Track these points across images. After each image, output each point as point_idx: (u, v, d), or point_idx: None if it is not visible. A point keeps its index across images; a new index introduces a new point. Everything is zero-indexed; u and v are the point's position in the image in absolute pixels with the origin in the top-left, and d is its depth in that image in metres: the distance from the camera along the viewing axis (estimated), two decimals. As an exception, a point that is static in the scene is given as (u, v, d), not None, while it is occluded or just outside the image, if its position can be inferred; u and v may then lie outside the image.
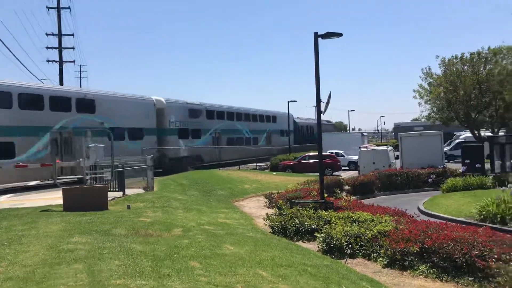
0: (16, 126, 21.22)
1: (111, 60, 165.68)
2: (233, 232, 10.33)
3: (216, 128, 37.82)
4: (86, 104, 24.62)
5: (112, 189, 16.33)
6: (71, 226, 9.74)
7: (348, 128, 72.57)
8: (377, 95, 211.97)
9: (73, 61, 55.35)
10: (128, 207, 13.65)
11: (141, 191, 17.47)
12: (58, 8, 36.80)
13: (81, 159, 15.31)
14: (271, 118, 47.49)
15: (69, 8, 37.49)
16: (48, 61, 38.54)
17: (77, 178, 16.32)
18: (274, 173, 30.38)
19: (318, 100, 13.76)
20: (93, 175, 16.25)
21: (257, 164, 38.87)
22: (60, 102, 23.34)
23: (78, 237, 8.31)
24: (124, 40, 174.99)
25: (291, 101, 44.17)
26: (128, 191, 16.78)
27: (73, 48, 41.96)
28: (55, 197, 15.38)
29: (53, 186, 16.27)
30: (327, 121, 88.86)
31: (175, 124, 32.71)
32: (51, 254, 6.81)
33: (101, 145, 14.70)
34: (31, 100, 22.19)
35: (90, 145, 15.66)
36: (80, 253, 6.93)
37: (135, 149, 27.05)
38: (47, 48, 38.06)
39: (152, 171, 18.36)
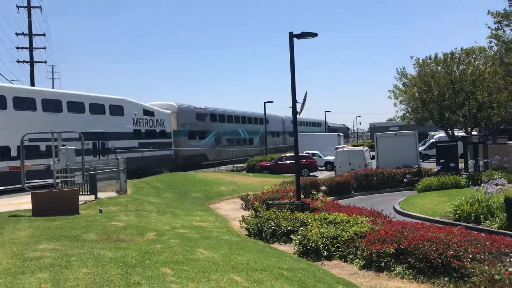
0: None
1: (88, 61, 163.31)
2: (208, 236, 10.17)
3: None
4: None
5: (83, 193, 15.97)
6: (39, 232, 9.42)
7: (326, 129, 73.12)
8: (353, 96, 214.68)
9: (45, 62, 54.25)
10: (100, 211, 13.34)
11: (114, 194, 17.15)
12: (29, 7, 36.00)
13: (51, 162, 14.89)
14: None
15: (40, 7, 36.65)
16: (18, 61, 37.75)
17: (48, 182, 15.89)
18: (250, 174, 30.41)
19: (294, 101, 13.74)
20: (64, 179, 15.83)
21: (234, 165, 39.23)
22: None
23: (46, 244, 8.02)
24: (102, 41, 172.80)
25: (268, 102, 44.74)
26: (101, 195, 16.45)
27: (44, 48, 41.08)
28: (23, 202, 14.94)
29: (22, 190, 15.80)
30: (343, 125, 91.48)
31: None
32: (15, 263, 6.53)
33: (72, 147, 14.31)
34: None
35: (60, 147, 15.24)
36: (46, 261, 6.66)
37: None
38: (17, 48, 37.26)
39: (125, 173, 18.03)
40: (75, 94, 27.80)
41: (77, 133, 16.15)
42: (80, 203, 13.70)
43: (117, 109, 30.57)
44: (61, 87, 56.77)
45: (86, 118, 27.77)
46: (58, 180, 14.70)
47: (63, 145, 14.11)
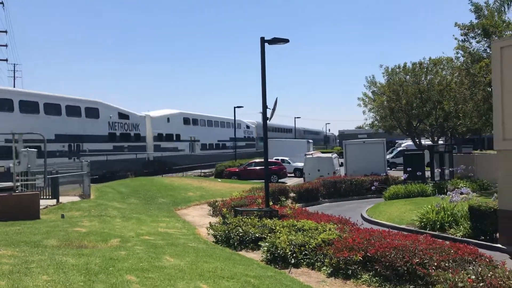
0: None
1: (54, 60, 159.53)
2: (174, 243, 10.09)
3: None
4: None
5: (45, 197, 15.59)
6: (-3, 237, 9.14)
7: (295, 136, 73.68)
8: (323, 102, 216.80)
9: (6, 60, 52.66)
10: (62, 216, 13.05)
11: (77, 199, 16.81)
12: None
13: (10, 165, 14.48)
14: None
15: (1, 3, 35.63)
16: (-23, 58, 36.50)
17: (7, 185, 15.43)
18: (219, 180, 30.33)
19: (264, 106, 13.76)
20: (25, 182, 15.42)
21: (202, 170, 39.11)
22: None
23: (4, 250, 7.79)
24: (68, 41, 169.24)
25: (237, 107, 44.66)
26: (63, 199, 16.09)
27: (6, 45, 39.99)
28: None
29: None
30: (331, 133, 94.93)
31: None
32: (-29, 270, 6.30)
33: (34, 149, 13.97)
34: None
35: (21, 149, 14.85)
36: (4, 268, 6.46)
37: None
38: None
39: (88, 177, 17.70)
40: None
41: (40, 134, 15.78)
42: (41, 207, 13.37)
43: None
44: (23, 87, 55.58)
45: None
46: (18, 183, 14.31)
47: (34, 147, 13.78)
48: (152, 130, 40.14)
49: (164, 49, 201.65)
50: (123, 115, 35.42)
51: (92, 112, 31.95)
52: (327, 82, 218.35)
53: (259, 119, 62.40)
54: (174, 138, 43.51)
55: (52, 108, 28.30)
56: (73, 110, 30.03)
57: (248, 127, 61.80)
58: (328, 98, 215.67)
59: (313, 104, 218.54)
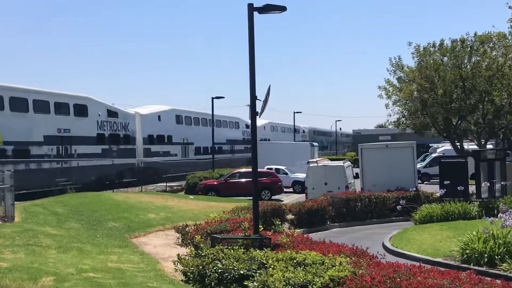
0: None
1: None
2: (129, 282, 10.04)
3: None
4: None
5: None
6: None
7: (294, 137, 73.84)
8: (332, 94, 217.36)
9: None
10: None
11: (-5, 222, 16.67)
12: None
13: None
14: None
15: None
16: None
17: None
18: (191, 196, 30.43)
19: (253, 97, 13.68)
20: None
21: (168, 184, 38.98)
22: None
23: None
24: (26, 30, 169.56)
25: (217, 97, 44.54)
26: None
27: None
28: None
29: None
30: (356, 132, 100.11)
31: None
32: None
33: None
34: None
35: None
36: None
37: None
38: None
39: (12, 192, 17.56)
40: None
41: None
42: None
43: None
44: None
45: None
46: None
47: None
48: (142, 130, 43.89)
49: (126, 25, 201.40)
50: (112, 113, 39.49)
51: (81, 109, 36.31)
52: (336, 67, 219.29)
53: (238, 114, 66.09)
54: (166, 141, 47.90)
55: (42, 105, 32.84)
56: (62, 107, 34.46)
57: (248, 126, 64.17)
58: (337, 88, 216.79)
59: (318, 96, 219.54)
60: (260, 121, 49.14)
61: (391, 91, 31.25)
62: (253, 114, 13.84)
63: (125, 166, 40.67)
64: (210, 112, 48.00)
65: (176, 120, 49.92)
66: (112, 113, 39.34)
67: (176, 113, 50.33)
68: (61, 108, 34.57)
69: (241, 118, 66.18)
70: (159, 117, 46.97)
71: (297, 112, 73.28)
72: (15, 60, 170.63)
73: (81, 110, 36.19)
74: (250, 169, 20.13)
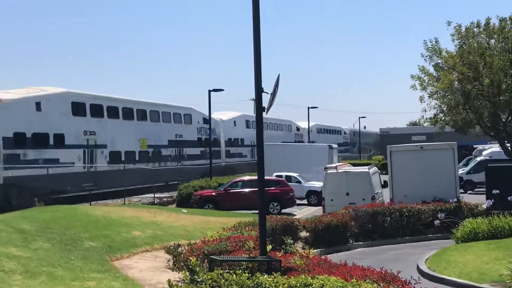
0: None
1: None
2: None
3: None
4: None
5: None
6: None
7: (309, 137, 74.61)
8: (355, 86, 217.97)
9: None
10: None
11: None
12: None
13: None
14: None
15: None
16: None
17: None
18: (184, 210, 30.67)
19: (259, 88, 13.51)
20: None
21: (156, 195, 39.63)
22: None
23: None
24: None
25: (215, 90, 44.82)
26: None
27: None
28: None
29: None
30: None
31: None
32: None
33: None
34: None
35: None
36: None
37: None
38: None
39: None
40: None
41: None
42: None
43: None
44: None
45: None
46: None
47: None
48: (224, 134, 60.36)
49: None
50: (206, 120, 52.74)
51: (188, 118, 55.60)
52: (357, 53, 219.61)
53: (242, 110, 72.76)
54: (239, 143, 65.18)
55: (166, 116, 52.25)
56: (176, 117, 53.96)
57: (298, 129, 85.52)
58: (360, 79, 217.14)
59: (336, 89, 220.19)
60: (232, 114, 65.16)
61: (426, 81, 31.03)
62: (259, 109, 13.74)
63: (215, 166, 50.73)
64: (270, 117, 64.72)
65: (246, 125, 66.71)
66: (206, 120, 52.49)
67: (246, 118, 66.63)
68: (176, 117, 53.71)
69: (293, 122, 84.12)
70: (234, 122, 64.34)
71: (312, 107, 74.66)
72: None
73: (187, 118, 55.38)
74: (255, 177, 19.96)
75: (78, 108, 41.01)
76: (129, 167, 44.82)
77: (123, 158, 45.19)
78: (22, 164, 35.46)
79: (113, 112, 45.14)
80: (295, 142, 76.58)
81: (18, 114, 35.76)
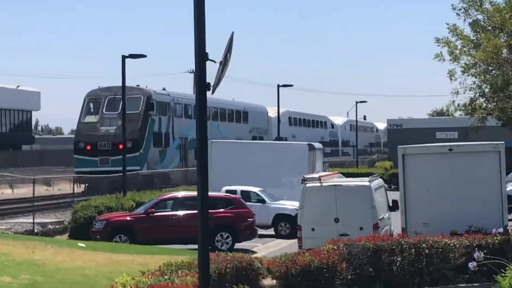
0: None
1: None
2: None
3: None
4: None
5: None
6: None
7: (278, 131, 75.03)
8: (350, 58, 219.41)
9: None
10: None
11: None
12: None
13: None
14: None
15: None
16: None
17: None
18: (81, 243, 30.61)
19: (201, 54, 13.57)
20: None
21: (35, 221, 38.79)
22: None
23: None
24: None
25: (132, 56, 44.79)
26: None
27: None
28: None
29: None
30: None
31: None
32: None
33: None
34: None
35: None
36: None
37: None
38: None
39: None
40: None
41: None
42: None
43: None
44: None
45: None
46: None
47: None
48: (340, 136, 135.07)
49: None
50: (333, 125, 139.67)
51: (325, 124, 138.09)
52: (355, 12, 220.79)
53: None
54: (349, 144, 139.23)
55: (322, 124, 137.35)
56: (320, 124, 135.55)
57: (333, 126, 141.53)
58: (357, 47, 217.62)
59: (323, 62, 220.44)
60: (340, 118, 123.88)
61: (459, 47, 31.26)
62: (202, 86, 13.71)
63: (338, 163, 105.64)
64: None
65: (350, 128, 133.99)
66: (333, 125, 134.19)
67: (351, 122, 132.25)
68: (319, 124, 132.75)
69: (328, 117, 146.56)
70: (344, 126, 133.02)
71: (283, 86, 78.29)
72: None
73: (325, 124, 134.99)
74: (194, 193, 19.81)
75: (351, 127, 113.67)
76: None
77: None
78: (343, 155, 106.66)
79: (361, 128, 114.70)
80: (331, 140, 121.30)
81: (342, 130, 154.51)
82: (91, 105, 79.45)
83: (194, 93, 12.87)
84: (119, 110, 60.21)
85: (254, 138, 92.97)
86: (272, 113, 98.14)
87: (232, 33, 14.26)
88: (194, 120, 53.36)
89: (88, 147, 74.18)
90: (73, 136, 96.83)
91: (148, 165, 71.60)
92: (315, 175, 31.99)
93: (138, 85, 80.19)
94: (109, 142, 71.76)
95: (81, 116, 78.65)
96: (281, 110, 79.35)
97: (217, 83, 14.09)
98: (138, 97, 77.62)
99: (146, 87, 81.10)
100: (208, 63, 13.73)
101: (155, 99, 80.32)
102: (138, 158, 69.80)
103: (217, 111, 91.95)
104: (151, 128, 78.28)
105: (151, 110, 78.92)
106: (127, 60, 48.05)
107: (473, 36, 30.63)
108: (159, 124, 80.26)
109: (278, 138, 76.67)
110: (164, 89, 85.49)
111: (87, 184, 67.01)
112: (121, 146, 53.39)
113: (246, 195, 38.40)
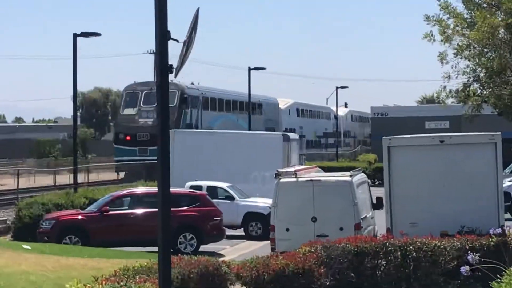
0: None
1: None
2: None
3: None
4: None
5: None
6: None
7: (249, 114, 75.63)
8: (329, 38, 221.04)
9: None
10: None
11: None
12: None
13: None
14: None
15: None
16: None
17: None
18: (26, 246, 30.74)
19: (163, 32, 13.52)
20: None
21: None
22: None
23: None
24: None
25: (84, 34, 45.01)
26: None
27: None
28: None
29: None
30: None
31: None
32: None
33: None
34: None
35: None
36: None
37: None
38: None
39: None
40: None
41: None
42: None
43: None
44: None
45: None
46: None
47: None
48: (342, 128, 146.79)
49: None
50: (364, 118, 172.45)
51: (361, 119, 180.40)
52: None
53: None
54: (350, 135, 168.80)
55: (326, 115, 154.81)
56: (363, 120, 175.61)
57: (336, 117, 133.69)
58: (339, 26, 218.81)
59: (297, 43, 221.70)
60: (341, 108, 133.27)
61: (451, 27, 31.37)
62: (163, 68, 13.69)
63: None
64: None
65: (351, 119, 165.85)
66: (335, 116, 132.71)
67: (352, 113, 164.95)
68: (324, 115, 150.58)
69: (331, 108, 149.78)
70: (346, 116, 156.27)
71: (255, 69, 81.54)
72: None
73: (329, 116, 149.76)
74: (154, 189, 19.73)
75: (355, 118, 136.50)
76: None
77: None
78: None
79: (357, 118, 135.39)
80: (333, 132, 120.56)
81: (344, 122, 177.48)
82: (129, 98, 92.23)
83: (154, 77, 12.83)
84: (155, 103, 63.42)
85: (267, 129, 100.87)
86: (282, 104, 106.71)
87: (198, 9, 14.23)
88: (220, 113, 77.94)
89: (128, 138, 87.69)
90: (17, 124, 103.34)
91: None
92: (291, 169, 31.98)
93: (172, 81, 79.23)
94: (147, 133, 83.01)
95: (120, 108, 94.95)
96: (289, 102, 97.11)
97: (180, 65, 14.12)
98: (173, 91, 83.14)
99: (179, 82, 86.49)
100: (170, 42, 13.75)
101: (188, 93, 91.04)
102: (174, 148, 73.92)
103: (237, 104, 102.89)
104: (185, 120, 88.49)
105: (184, 104, 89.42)
106: (79, 39, 47.71)
107: (467, 14, 30.78)
108: (190, 117, 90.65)
109: (249, 128, 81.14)
110: (192, 83, 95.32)
111: (126, 172, 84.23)
112: None
113: (213, 191, 38.51)
